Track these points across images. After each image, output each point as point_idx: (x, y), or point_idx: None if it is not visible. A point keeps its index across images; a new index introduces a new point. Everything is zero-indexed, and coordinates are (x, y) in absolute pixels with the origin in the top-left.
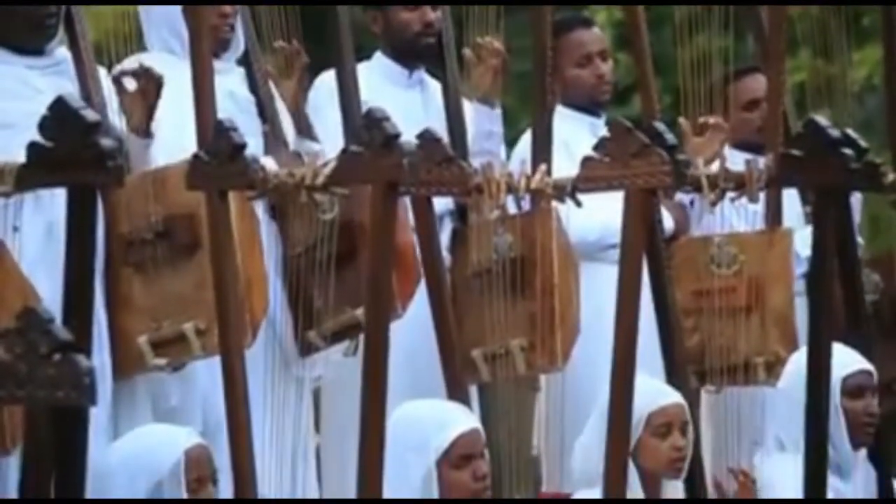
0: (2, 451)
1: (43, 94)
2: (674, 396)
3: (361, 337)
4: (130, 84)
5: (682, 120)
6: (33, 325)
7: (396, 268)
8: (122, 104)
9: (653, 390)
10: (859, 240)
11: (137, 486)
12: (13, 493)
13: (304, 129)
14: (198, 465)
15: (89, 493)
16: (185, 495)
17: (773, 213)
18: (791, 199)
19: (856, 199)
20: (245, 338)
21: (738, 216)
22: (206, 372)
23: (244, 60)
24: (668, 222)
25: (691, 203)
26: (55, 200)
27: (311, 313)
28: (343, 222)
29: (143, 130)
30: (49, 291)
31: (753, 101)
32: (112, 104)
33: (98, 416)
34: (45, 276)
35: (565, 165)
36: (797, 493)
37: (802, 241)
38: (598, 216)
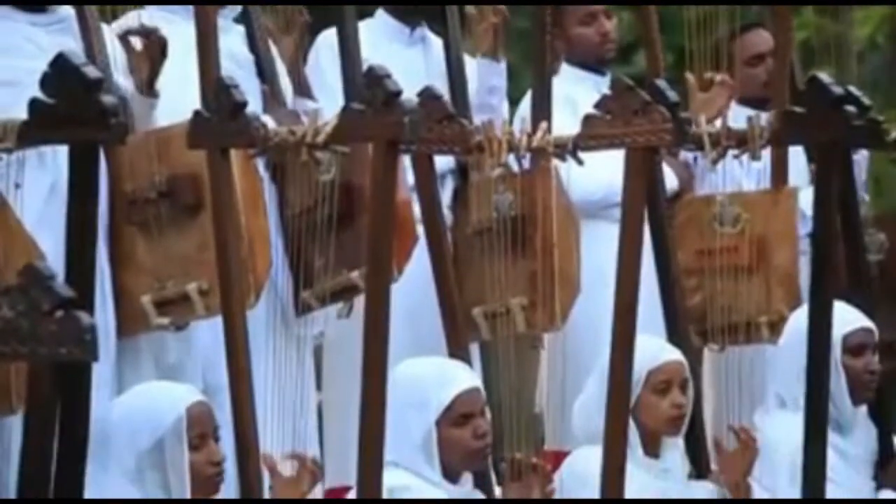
0: (7, 410)
1: (46, 51)
2: (673, 354)
3: (356, 299)
4: (137, 43)
5: (688, 75)
6: (35, 282)
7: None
8: (130, 63)
9: (653, 348)
10: (865, 198)
11: (139, 442)
12: (16, 450)
13: (302, 88)
14: (199, 422)
15: (91, 450)
16: (186, 452)
17: (778, 172)
18: (797, 157)
19: (862, 156)
20: (248, 298)
21: (747, 175)
22: (209, 332)
23: (243, 18)
24: (671, 181)
25: (695, 160)
26: (58, 159)
27: (307, 274)
28: (342, 184)
29: (149, 89)
30: (52, 250)
31: (757, 55)
32: (116, 62)
33: (102, 374)
34: (48, 235)
35: (570, 123)
36: (797, 450)
37: (808, 200)
38: (602, 175)
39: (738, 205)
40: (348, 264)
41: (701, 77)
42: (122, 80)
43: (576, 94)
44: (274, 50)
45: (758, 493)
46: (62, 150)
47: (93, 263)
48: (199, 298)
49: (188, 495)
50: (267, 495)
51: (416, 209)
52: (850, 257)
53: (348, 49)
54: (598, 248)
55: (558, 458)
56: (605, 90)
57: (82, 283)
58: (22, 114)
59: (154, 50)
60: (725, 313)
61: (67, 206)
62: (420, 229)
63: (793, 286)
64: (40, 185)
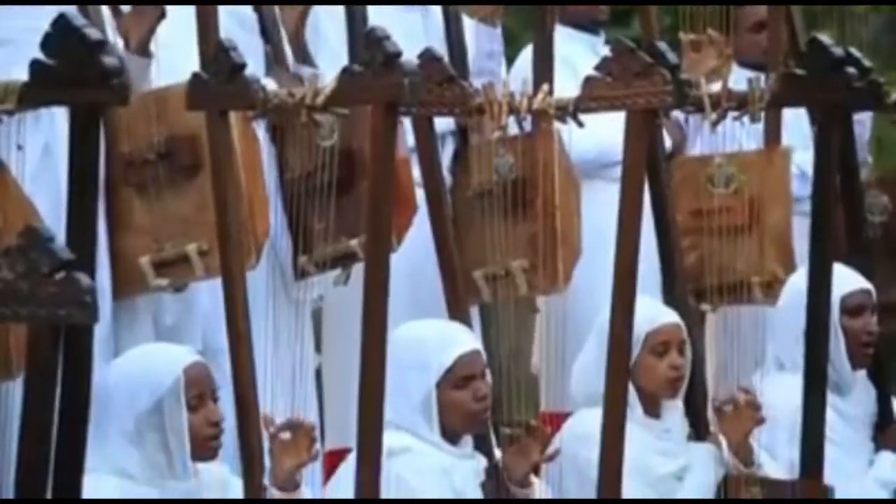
0: (6, 376)
1: (42, 9)
2: (671, 316)
3: (353, 267)
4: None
5: (681, 35)
6: (35, 243)
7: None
8: (118, 25)
9: (651, 310)
10: (868, 159)
11: (138, 404)
12: (17, 413)
13: (303, 56)
14: (197, 383)
15: (91, 413)
16: (185, 412)
17: (773, 133)
18: (799, 119)
19: (867, 116)
20: (248, 259)
21: (747, 135)
22: (208, 295)
23: None
24: (665, 141)
25: (686, 121)
26: (53, 119)
27: (306, 239)
28: (343, 150)
29: (142, 50)
30: (45, 211)
31: (760, 22)
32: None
33: (98, 336)
34: (42, 196)
35: (570, 84)
36: (796, 411)
37: (809, 161)
38: (595, 135)
39: (733, 165)
40: (348, 231)
41: (694, 37)
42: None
43: (572, 53)
44: (278, 13)
45: (759, 455)
46: (57, 111)
47: (94, 226)
48: (198, 259)
49: (188, 456)
50: (266, 457)
51: (416, 172)
52: (850, 219)
53: (353, 12)
54: (596, 209)
55: (557, 419)
56: (601, 49)
57: (82, 245)
58: (17, 73)
59: (148, 11)
60: (719, 274)
61: (69, 167)
62: (420, 192)
63: (785, 247)
64: (34, 146)
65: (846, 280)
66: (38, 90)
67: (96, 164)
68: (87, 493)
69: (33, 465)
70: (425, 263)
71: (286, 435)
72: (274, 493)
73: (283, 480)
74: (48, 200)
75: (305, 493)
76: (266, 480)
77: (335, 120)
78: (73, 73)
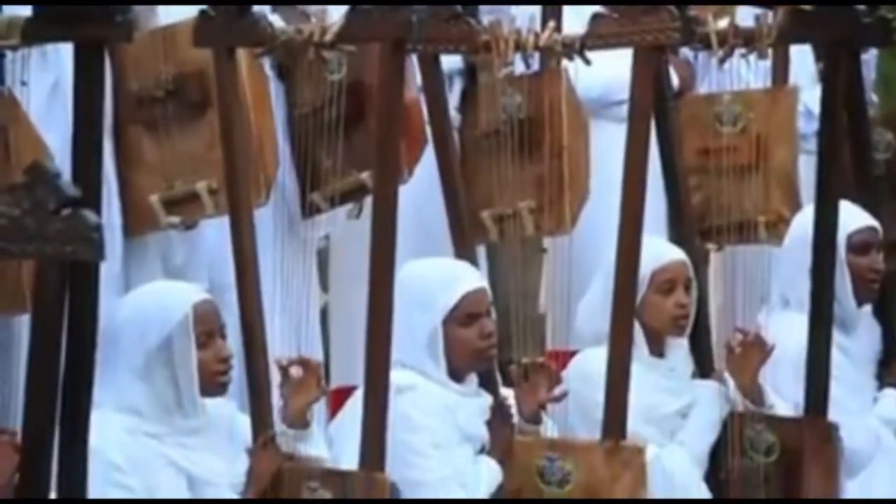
0: (21, 309)
1: None
2: (678, 254)
3: (365, 200)
4: None
5: None
6: (41, 180)
7: (403, 133)
8: None
9: (657, 248)
10: (873, 97)
11: (147, 340)
12: (25, 349)
13: None
14: (206, 319)
15: (100, 349)
16: (194, 348)
17: (780, 71)
18: (805, 56)
19: (871, 55)
20: (258, 196)
21: (754, 74)
22: (214, 231)
23: None
24: (672, 79)
25: (695, 58)
26: (60, 57)
27: (316, 175)
28: (351, 84)
29: None
30: (54, 148)
31: None
32: None
33: (109, 274)
34: (51, 134)
35: (577, 22)
36: (801, 349)
37: (815, 98)
38: (601, 73)
39: (739, 104)
40: (358, 165)
41: None
42: None
43: None
44: None
45: (768, 394)
46: (64, 48)
47: (99, 162)
48: (208, 197)
49: (196, 391)
50: (276, 396)
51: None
52: (856, 157)
53: None
54: (603, 149)
55: (563, 358)
56: None
57: (88, 181)
58: (23, 10)
59: None
60: (724, 212)
61: (73, 104)
62: (427, 131)
63: (791, 186)
64: (42, 84)
65: (852, 217)
66: (42, 26)
67: (101, 100)
68: (94, 430)
69: (41, 401)
70: (432, 203)
71: (295, 370)
72: (286, 432)
73: (293, 419)
74: (57, 138)
75: (315, 431)
76: (276, 422)
77: (343, 54)
78: (76, 8)
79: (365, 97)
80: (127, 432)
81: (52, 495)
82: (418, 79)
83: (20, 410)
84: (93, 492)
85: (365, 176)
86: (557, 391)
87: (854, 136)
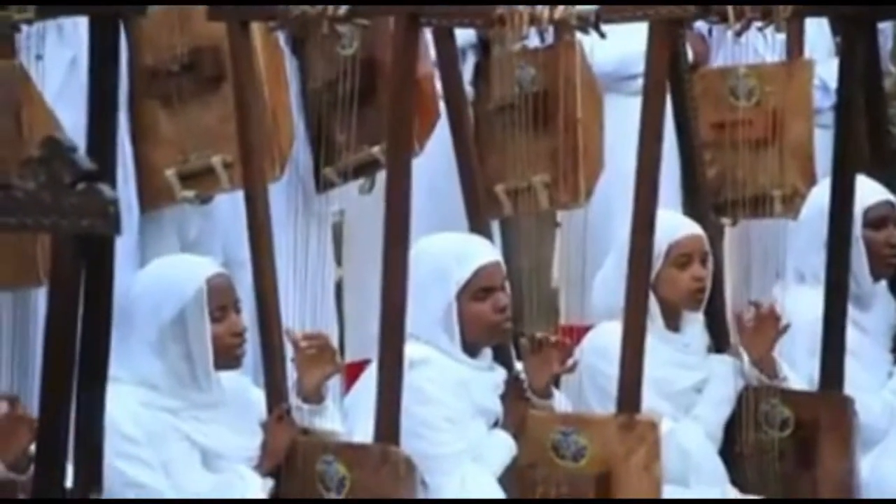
0: (35, 282)
1: None
2: (694, 227)
3: (377, 175)
4: None
5: None
6: (56, 153)
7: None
8: None
9: (673, 222)
10: (892, 69)
11: (162, 313)
12: (41, 323)
13: None
14: (220, 294)
15: (115, 323)
16: (207, 322)
17: (795, 44)
18: (821, 29)
19: (888, 25)
20: (273, 171)
21: (767, 47)
22: (228, 206)
23: None
24: (687, 53)
25: (710, 32)
26: (79, 32)
27: (329, 149)
28: (364, 58)
29: None
30: (71, 124)
31: None
32: None
33: (125, 248)
34: (68, 110)
35: None
36: (816, 323)
37: (831, 72)
38: (616, 46)
39: (754, 77)
40: (370, 139)
41: None
42: None
43: None
44: None
45: (782, 367)
46: (82, 23)
47: (114, 136)
48: (223, 171)
49: (211, 366)
50: (290, 369)
51: (439, 85)
52: (873, 131)
53: None
54: (617, 123)
55: (577, 332)
56: None
57: (104, 155)
58: None
59: None
60: (739, 187)
61: (88, 78)
62: (441, 105)
63: (807, 160)
64: (60, 59)
65: (869, 192)
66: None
67: (116, 74)
68: (112, 402)
69: (57, 375)
70: (446, 178)
71: (306, 344)
72: (301, 406)
73: (309, 393)
74: (75, 114)
75: (329, 405)
76: (291, 396)
77: (355, 29)
78: None
79: (377, 72)
80: (142, 405)
81: (69, 468)
82: (432, 53)
83: (37, 385)
84: (108, 465)
85: (376, 150)
86: (569, 362)
87: (870, 111)
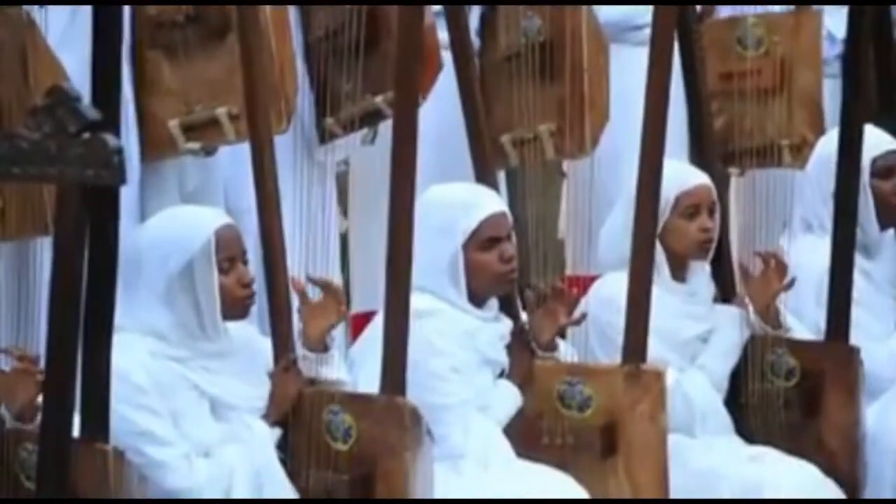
0: (42, 231)
1: None
2: (702, 177)
3: (380, 125)
4: None
5: None
6: (61, 102)
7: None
8: None
9: (681, 172)
10: None
11: (169, 265)
12: (47, 272)
13: None
14: (228, 245)
15: (122, 274)
16: (215, 274)
17: None
18: None
19: None
20: (279, 123)
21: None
22: (229, 158)
23: None
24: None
25: None
26: None
27: (331, 100)
28: (367, 8)
29: None
30: (74, 71)
31: None
32: None
33: (126, 199)
34: (70, 57)
35: None
36: (823, 272)
37: (840, 22)
38: None
39: (762, 27)
40: (373, 89)
41: None
42: None
43: None
44: None
45: (787, 317)
46: None
47: (118, 87)
48: (228, 123)
49: (218, 316)
50: (296, 319)
51: (442, 35)
52: (881, 80)
53: None
54: (624, 73)
55: (583, 283)
56: None
57: (108, 106)
58: None
59: None
60: (748, 137)
61: (92, 27)
62: (447, 56)
63: (815, 110)
64: (62, 8)
65: (877, 142)
66: None
67: (120, 23)
68: (121, 351)
69: (63, 324)
70: (452, 127)
71: (310, 292)
72: (308, 356)
73: (314, 342)
74: (77, 61)
75: (335, 355)
76: (297, 346)
77: None
78: None
79: (381, 21)
80: (151, 355)
81: (76, 419)
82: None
83: (41, 335)
84: (116, 414)
85: (380, 100)
86: (576, 314)
87: (879, 61)
